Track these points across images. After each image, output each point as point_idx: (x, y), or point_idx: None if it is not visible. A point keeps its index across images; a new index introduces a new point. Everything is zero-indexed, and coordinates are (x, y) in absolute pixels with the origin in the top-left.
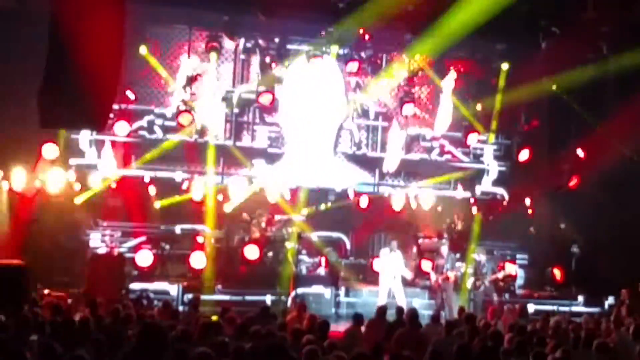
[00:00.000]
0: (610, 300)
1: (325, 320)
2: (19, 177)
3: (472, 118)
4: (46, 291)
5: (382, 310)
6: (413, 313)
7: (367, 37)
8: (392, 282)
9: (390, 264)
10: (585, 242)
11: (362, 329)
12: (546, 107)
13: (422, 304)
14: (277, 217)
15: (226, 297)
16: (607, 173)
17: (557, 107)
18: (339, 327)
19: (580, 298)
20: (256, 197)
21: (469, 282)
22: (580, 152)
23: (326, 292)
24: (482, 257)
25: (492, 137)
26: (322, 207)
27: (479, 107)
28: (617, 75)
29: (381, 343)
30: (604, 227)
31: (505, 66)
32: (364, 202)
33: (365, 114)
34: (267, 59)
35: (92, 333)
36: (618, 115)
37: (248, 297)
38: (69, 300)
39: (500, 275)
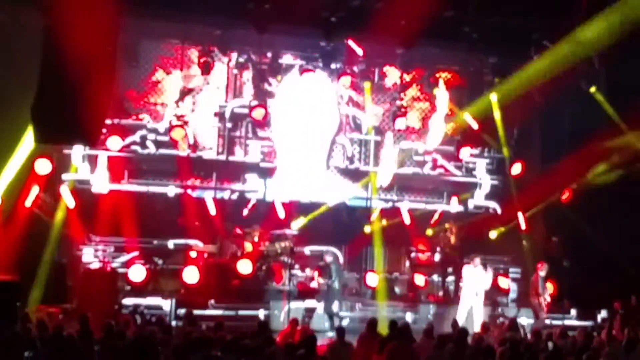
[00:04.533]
0: (603, 313)
1: (313, 334)
2: (12, 193)
3: (465, 132)
4: (37, 307)
5: (372, 323)
6: (405, 327)
7: (359, 51)
8: (473, 300)
9: (474, 280)
10: (577, 256)
11: (347, 342)
12: (539, 121)
13: (415, 318)
14: (271, 232)
15: (219, 312)
16: (599, 187)
17: (550, 120)
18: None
19: (573, 312)
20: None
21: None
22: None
23: (319, 306)
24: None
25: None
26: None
27: (465, 115)
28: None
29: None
30: (596, 240)
31: (497, 80)
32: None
33: (357, 127)
34: (260, 74)
35: (81, 348)
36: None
37: (241, 312)
38: (60, 316)
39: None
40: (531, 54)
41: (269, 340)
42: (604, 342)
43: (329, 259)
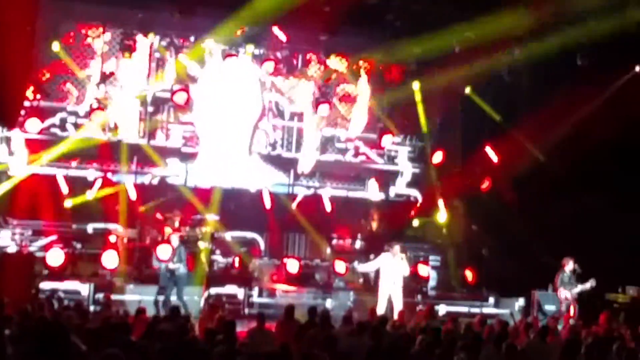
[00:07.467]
0: (521, 301)
1: (232, 320)
2: None
3: (387, 119)
4: None
5: (290, 310)
6: (325, 314)
7: (283, 36)
8: (391, 288)
9: (392, 269)
10: (496, 244)
11: (267, 328)
12: (459, 109)
13: (335, 305)
14: (191, 217)
15: (138, 297)
16: (517, 175)
17: (470, 108)
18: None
19: (492, 299)
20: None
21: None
22: (492, 155)
23: (239, 292)
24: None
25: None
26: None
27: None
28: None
29: (288, 343)
30: (514, 229)
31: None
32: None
33: (280, 114)
34: (181, 57)
35: None
36: (529, 116)
37: (160, 297)
38: None
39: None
40: (453, 44)
41: (184, 326)
42: (521, 330)
43: (175, 243)
